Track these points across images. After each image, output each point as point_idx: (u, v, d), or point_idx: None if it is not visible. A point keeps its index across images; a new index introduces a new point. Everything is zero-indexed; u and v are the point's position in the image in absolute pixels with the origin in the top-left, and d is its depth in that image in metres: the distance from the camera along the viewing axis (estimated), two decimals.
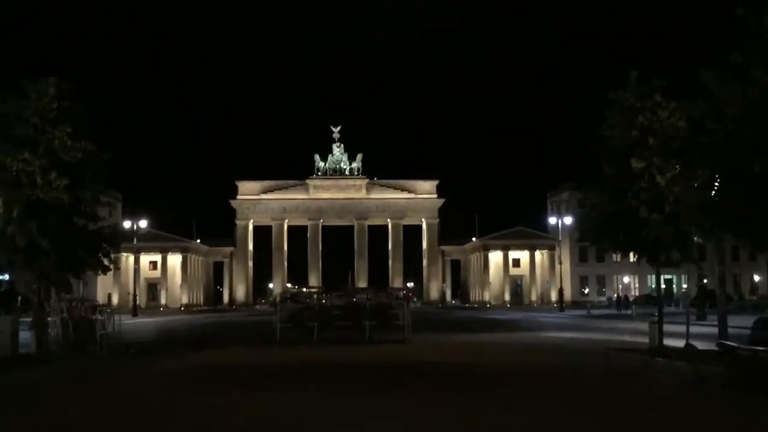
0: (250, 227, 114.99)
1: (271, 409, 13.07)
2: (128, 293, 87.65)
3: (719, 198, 16.26)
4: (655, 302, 31.17)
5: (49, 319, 24.72)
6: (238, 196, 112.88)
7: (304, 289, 47.46)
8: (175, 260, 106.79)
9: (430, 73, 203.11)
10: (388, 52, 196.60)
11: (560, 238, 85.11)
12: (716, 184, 16.50)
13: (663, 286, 74.48)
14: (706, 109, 15.54)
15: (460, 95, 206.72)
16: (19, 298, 64.94)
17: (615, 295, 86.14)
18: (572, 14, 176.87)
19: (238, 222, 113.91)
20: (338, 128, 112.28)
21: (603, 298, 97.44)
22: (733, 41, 15.14)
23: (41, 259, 23.49)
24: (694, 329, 24.49)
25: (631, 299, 79.31)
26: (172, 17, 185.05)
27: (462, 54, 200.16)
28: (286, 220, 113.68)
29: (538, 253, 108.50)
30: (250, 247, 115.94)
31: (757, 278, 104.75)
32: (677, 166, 20.83)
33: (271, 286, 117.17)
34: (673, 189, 20.87)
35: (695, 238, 23.03)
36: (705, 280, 59.40)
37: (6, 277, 76.14)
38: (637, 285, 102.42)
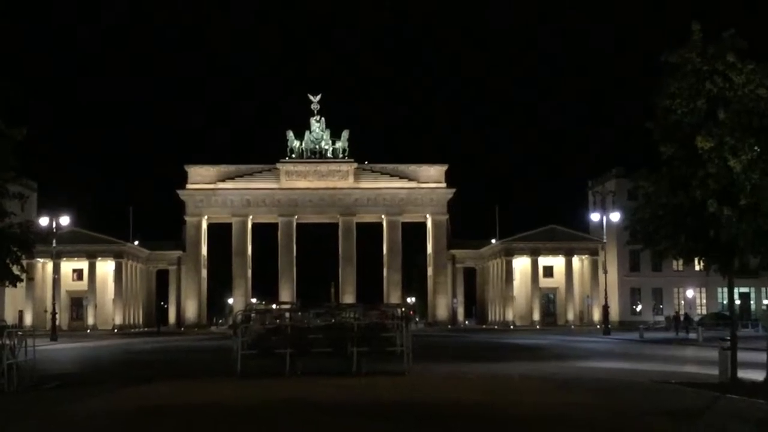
0: (204, 225, 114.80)
1: None
2: (45, 311, 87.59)
3: None
4: (727, 323, 31.21)
5: None
6: (188, 185, 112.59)
7: (274, 306, 47.30)
8: (106, 268, 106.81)
9: (435, 32, 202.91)
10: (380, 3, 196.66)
11: (605, 240, 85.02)
12: None
13: (738, 301, 74.74)
14: None
15: (472, 58, 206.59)
16: None
17: (674, 314, 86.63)
18: None
19: (187, 219, 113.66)
20: (318, 97, 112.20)
21: (660, 318, 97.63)
22: None
23: None
24: None
25: (694, 319, 79.83)
26: None
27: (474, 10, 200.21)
28: (251, 216, 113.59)
29: (576, 260, 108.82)
30: (204, 251, 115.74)
31: None
32: (757, 147, 20.77)
33: (230, 301, 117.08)
34: (751, 176, 20.82)
35: None
36: None
37: None
38: (704, 301, 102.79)
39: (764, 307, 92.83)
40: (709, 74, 22.58)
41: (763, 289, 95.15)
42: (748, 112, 21.42)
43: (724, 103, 22.19)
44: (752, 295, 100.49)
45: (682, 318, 79.39)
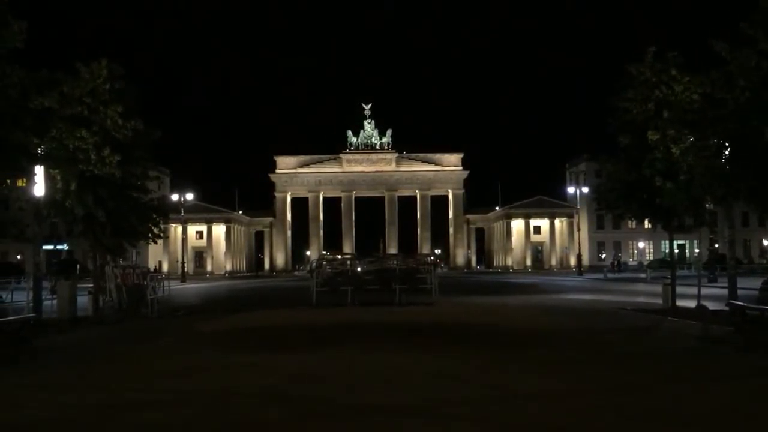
0: (288, 199, 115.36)
1: (312, 366, 13.12)
2: (177, 260, 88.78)
3: (730, 166, 15.98)
4: (668, 266, 30.84)
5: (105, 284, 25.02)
6: (277, 170, 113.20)
7: (339, 256, 47.49)
8: (219, 230, 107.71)
9: (456, 53, 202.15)
10: (416, 33, 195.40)
11: (578, 207, 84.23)
12: (726, 153, 16.23)
13: (676, 250, 73.86)
14: (719, 80, 15.21)
15: (483, 72, 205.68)
16: (78, 265, 65.98)
17: (613, 260, 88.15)
18: None
19: (276, 194, 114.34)
20: (369, 106, 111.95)
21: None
22: (745, 16, 14.80)
23: (97, 229, 23.83)
24: (705, 291, 24.17)
25: (624, 263, 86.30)
26: None
27: (485, 33, 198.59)
28: (322, 192, 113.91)
29: (557, 221, 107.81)
30: (289, 217, 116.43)
31: (765, 243, 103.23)
32: (691, 137, 20.45)
33: (308, 253, 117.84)
34: (686, 159, 20.51)
35: (707, 205, 22.69)
36: (716, 245, 58.54)
37: (65, 247, 77.42)
38: (651, 250, 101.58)
39: (696, 254, 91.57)
40: (657, 84, 22.25)
41: (695, 241, 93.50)
42: (684, 111, 21.09)
43: (668, 105, 21.85)
44: (687, 246, 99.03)
45: (615, 262, 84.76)
